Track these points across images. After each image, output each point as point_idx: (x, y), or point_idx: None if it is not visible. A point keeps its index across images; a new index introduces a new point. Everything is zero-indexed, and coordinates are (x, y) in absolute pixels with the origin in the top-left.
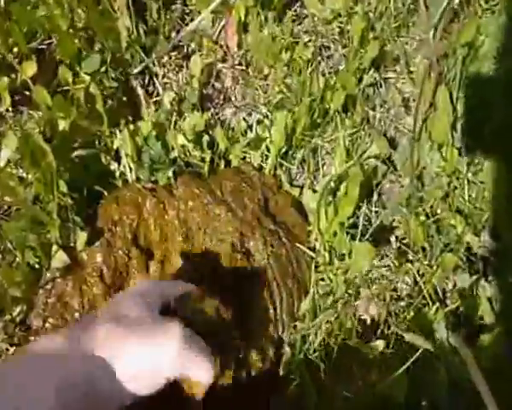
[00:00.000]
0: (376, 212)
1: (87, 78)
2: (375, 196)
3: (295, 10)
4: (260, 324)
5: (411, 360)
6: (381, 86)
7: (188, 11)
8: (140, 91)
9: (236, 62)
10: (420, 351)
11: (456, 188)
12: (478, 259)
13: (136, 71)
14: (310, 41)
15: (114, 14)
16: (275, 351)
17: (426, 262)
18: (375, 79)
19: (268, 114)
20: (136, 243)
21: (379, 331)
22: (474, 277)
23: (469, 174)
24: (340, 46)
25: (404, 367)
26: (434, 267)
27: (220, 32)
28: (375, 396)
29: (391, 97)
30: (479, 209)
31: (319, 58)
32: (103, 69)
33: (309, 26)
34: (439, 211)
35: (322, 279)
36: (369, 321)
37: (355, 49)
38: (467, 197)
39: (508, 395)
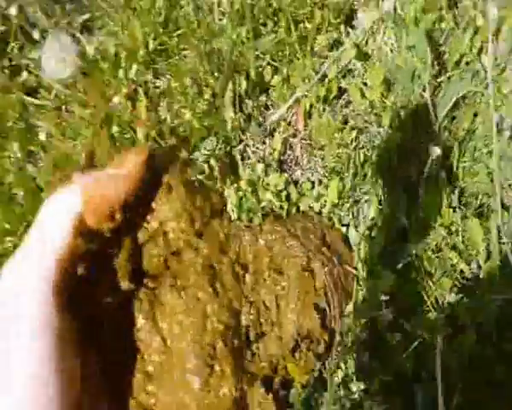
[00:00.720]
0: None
1: (207, 152)
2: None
3: (344, 98)
4: (319, 319)
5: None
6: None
7: (271, 103)
8: (239, 158)
9: (303, 138)
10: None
11: (451, 233)
12: (468, 281)
13: (238, 147)
14: (354, 125)
15: (223, 108)
16: (328, 338)
17: (430, 283)
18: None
19: (325, 176)
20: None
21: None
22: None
23: (461, 225)
24: (375, 126)
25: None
26: (436, 286)
27: (292, 116)
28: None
29: None
30: (469, 246)
31: (361, 136)
32: (217, 146)
33: (354, 110)
34: (442, 247)
35: (362, 290)
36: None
37: (386, 130)
38: (460, 238)
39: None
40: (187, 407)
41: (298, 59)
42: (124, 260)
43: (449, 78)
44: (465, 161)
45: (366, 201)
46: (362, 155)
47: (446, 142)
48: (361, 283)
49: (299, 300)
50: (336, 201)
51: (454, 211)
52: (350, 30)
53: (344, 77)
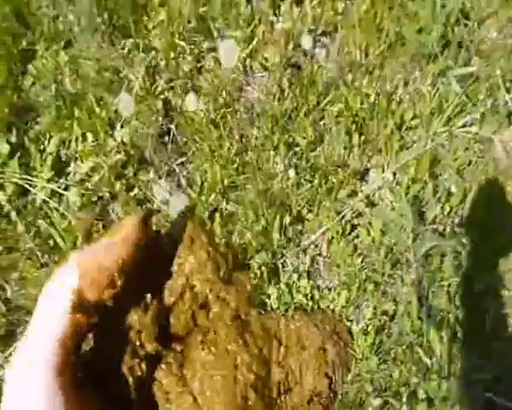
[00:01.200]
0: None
1: (259, 262)
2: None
3: (355, 233)
4: (327, 382)
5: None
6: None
7: (305, 231)
8: (280, 267)
9: (326, 258)
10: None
11: (420, 336)
12: (429, 370)
13: (280, 260)
14: (360, 252)
15: (272, 232)
16: (333, 396)
17: (404, 368)
18: None
19: (339, 286)
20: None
21: None
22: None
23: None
24: (375, 254)
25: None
26: (407, 371)
27: (319, 242)
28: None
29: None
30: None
31: (365, 261)
32: (267, 258)
33: (361, 242)
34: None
35: (361, 360)
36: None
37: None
38: (425, 340)
39: None
40: None
41: (325, 203)
42: (150, 321)
43: (426, 230)
44: (433, 290)
45: (365, 306)
46: (364, 275)
47: (420, 273)
48: (358, 361)
49: (315, 369)
50: (345, 304)
51: (422, 321)
52: (364, 185)
53: (357, 217)
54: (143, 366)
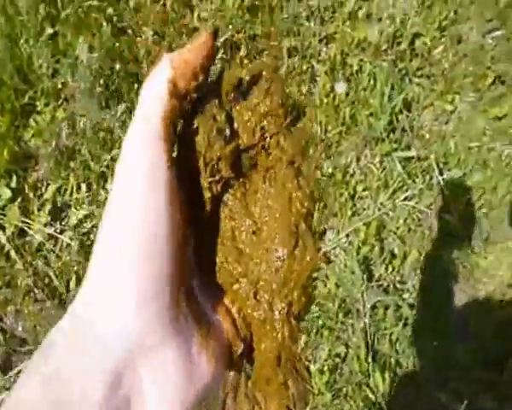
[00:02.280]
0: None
1: None
2: None
3: None
4: None
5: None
6: None
7: None
8: None
9: None
10: None
11: (368, 384)
12: None
13: None
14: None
15: None
16: None
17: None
18: None
19: None
20: None
21: None
22: None
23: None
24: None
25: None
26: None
27: None
28: None
29: None
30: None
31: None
32: None
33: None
34: None
35: (317, 395)
36: None
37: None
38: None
39: None
40: (275, 273)
41: None
42: (229, 153)
43: (373, 286)
44: (378, 337)
45: (321, 348)
46: (321, 321)
47: (368, 322)
48: (314, 396)
49: (278, 402)
50: (304, 346)
51: (368, 364)
52: (322, 243)
53: (316, 271)
54: (218, 186)
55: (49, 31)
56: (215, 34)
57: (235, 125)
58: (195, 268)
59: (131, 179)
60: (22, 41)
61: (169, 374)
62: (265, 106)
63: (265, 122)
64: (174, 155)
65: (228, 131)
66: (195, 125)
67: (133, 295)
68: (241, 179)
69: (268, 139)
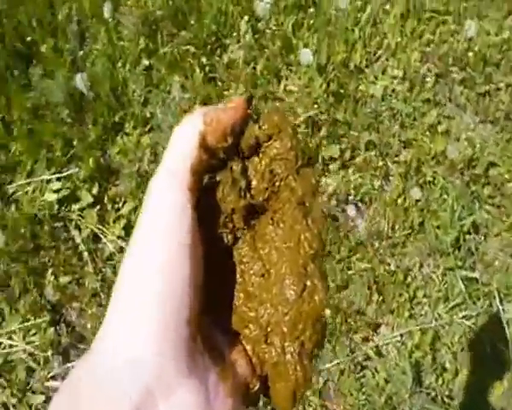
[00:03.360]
0: None
1: None
2: None
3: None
4: None
5: None
6: None
7: (322, 358)
8: None
9: (336, 385)
10: None
11: None
12: None
13: None
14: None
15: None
16: None
17: None
18: None
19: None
20: None
21: None
22: None
23: None
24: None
25: None
26: None
27: (331, 369)
28: None
29: None
30: None
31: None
32: None
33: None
34: None
35: None
36: None
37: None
38: None
39: None
40: (284, 316)
41: (342, 340)
42: (243, 205)
43: (421, 392)
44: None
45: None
46: None
47: None
48: None
49: None
50: None
51: None
52: (376, 335)
53: (366, 360)
54: (229, 236)
55: (146, 62)
56: (249, 101)
57: (249, 172)
58: (213, 309)
59: (155, 221)
60: (120, 65)
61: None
62: (276, 149)
63: (276, 166)
64: (195, 202)
65: (243, 183)
66: (217, 179)
67: (154, 332)
68: (251, 225)
69: (278, 183)
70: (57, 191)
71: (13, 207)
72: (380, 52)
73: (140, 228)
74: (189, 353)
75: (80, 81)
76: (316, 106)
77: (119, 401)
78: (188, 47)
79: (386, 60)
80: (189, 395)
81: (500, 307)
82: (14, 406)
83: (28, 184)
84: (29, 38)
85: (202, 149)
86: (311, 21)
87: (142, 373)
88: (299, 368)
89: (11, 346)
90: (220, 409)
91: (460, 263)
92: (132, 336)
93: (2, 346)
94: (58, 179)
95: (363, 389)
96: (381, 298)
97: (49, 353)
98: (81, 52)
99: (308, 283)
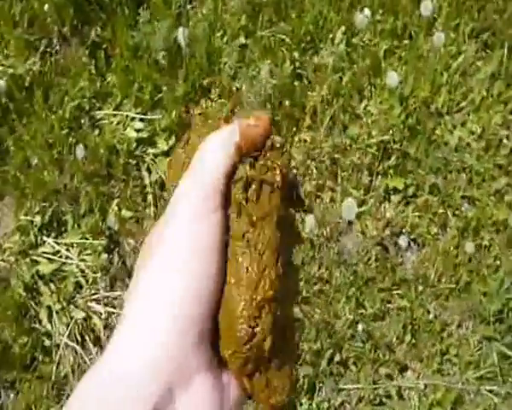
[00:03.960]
0: None
1: None
2: None
3: None
4: None
5: None
6: None
7: (344, 379)
8: None
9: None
10: None
11: None
12: None
13: None
14: None
15: None
16: None
17: None
18: None
19: None
20: None
21: None
22: None
23: None
24: None
25: None
26: None
27: (351, 392)
28: None
29: None
30: None
31: None
32: None
33: None
34: None
35: None
36: None
37: None
38: None
39: None
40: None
41: (367, 367)
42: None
43: None
44: None
45: None
46: None
47: None
48: None
49: None
50: None
51: None
52: (400, 376)
53: (387, 397)
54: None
55: (242, 40)
56: (271, 122)
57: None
58: None
59: (182, 221)
60: (219, 35)
61: (206, 404)
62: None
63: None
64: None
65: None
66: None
67: (173, 326)
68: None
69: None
70: (138, 131)
71: (96, 132)
72: (463, 104)
73: (168, 225)
74: (207, 348)
75: (181, 35)
76: (390, 132)
77: (136, 400)
78: (284, 37)
79: (468, 114)
80: (206, 388)
81: None
82: (57, 312)
83: (114, 115)
84: None
85: (238, 157)
86: (403, 53)
87: (159, 370)
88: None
89: (67, 257)
90: (231, 398)
91: (499, 336)
92: (151, 334)
93: (59, 255)
94: (141, 120)
95: None
96: (413, 341)
97: (98, 275)
98: (188, 9)
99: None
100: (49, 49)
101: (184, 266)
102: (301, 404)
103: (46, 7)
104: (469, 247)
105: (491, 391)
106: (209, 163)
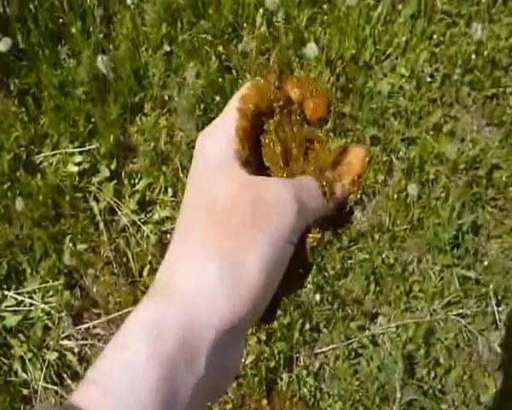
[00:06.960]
0: None
1: None
2: None
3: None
4: None
5: None
6: None
7: (319, 343)
8: None
9: (332, 369)
10: None
11: None
12: None
13: None
14: None
15: None
16: None
17: None
18: None
19: None
20: None
21: None
22: None
23: None
24: None
25: None
26: None
27: (327, 353)
28: None
29: None
30: None
31: None
32: None
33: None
34: None
35: None
36: None
37: None
38: None
39: None
40: None
41: (339, 326)
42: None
43: (413, 384)
44: None
45: None
46: (358, 396)
47: None
48: None
49: None
50: None
51: None
52: (372, 325)
53: (361, 348)
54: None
55: (167, 48)
56: (280, 76)
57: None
58: None
59: (210, 165)
60: (143, 49)
61: None
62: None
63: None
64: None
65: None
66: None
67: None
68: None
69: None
70: (78, 164)
71: (38, 177)
72: (389, 50)
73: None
74: None
75: (101, 62)
76: None
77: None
78: (205, 36)
79: (396, 58)
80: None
81: (496, 309)
82: (29, 359)
83: (53, 155)
84: (60, 20)
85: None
86: (325, 18)
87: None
88: None
89: (31, 305)
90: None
91: (457, 262)
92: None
93: (23, 304)
94: (80, 153)
95: (357, 375)
96: (378, 289)
97: (64, 313)
98: (104, 35)
99: None
100: None
101: None
102: (281, 379)
103: None
104: (412, 189)
105: (459, 315)
106: (232, 114)
